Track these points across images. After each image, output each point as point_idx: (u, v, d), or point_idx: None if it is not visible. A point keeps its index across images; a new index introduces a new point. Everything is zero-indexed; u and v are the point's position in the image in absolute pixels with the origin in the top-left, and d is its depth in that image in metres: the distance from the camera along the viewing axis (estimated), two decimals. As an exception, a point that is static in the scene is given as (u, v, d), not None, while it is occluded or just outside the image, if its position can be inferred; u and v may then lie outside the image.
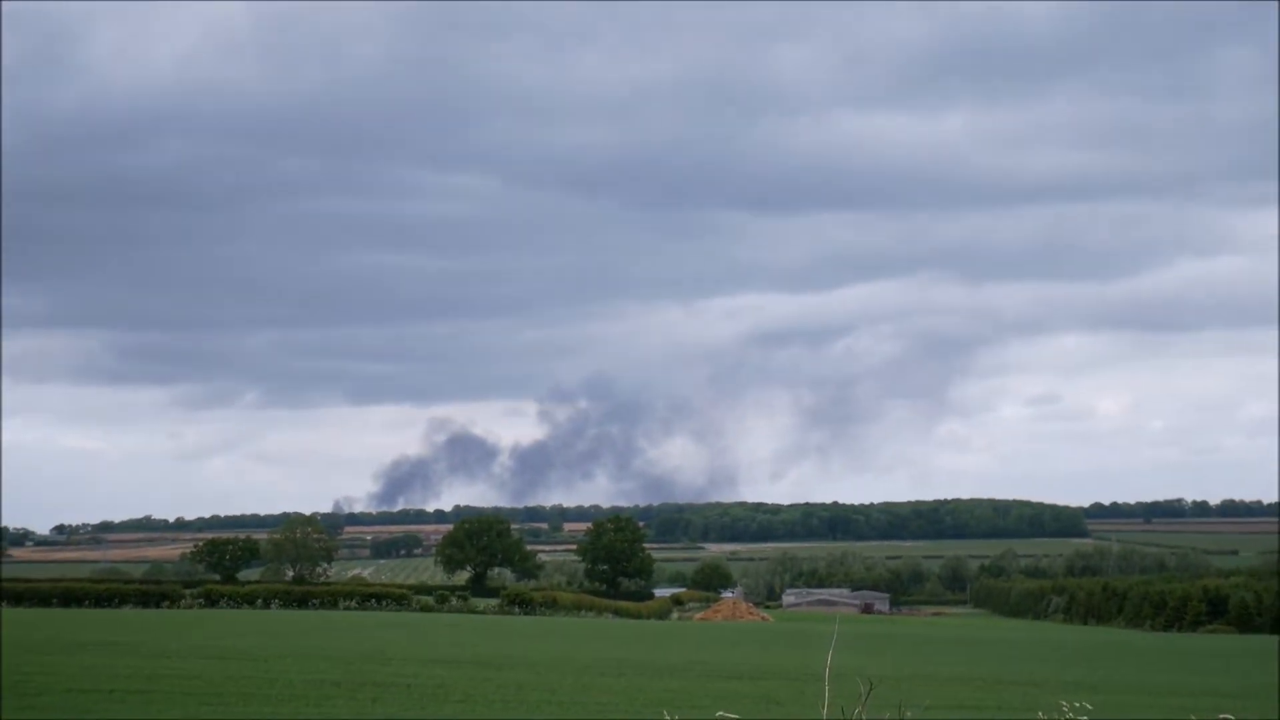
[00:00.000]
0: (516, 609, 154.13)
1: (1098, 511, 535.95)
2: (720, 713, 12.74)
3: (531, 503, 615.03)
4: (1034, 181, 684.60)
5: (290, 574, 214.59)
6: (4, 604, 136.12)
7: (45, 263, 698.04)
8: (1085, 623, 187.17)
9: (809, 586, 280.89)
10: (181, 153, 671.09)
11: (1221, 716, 21.72)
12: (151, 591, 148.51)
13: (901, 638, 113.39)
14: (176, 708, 38.86)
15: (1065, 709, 24.77)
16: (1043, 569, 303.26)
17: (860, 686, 11.07)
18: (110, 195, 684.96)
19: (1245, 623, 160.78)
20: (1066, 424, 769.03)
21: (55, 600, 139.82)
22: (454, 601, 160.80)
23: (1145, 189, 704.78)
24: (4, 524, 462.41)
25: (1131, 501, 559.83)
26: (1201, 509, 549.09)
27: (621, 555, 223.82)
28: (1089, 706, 24.81)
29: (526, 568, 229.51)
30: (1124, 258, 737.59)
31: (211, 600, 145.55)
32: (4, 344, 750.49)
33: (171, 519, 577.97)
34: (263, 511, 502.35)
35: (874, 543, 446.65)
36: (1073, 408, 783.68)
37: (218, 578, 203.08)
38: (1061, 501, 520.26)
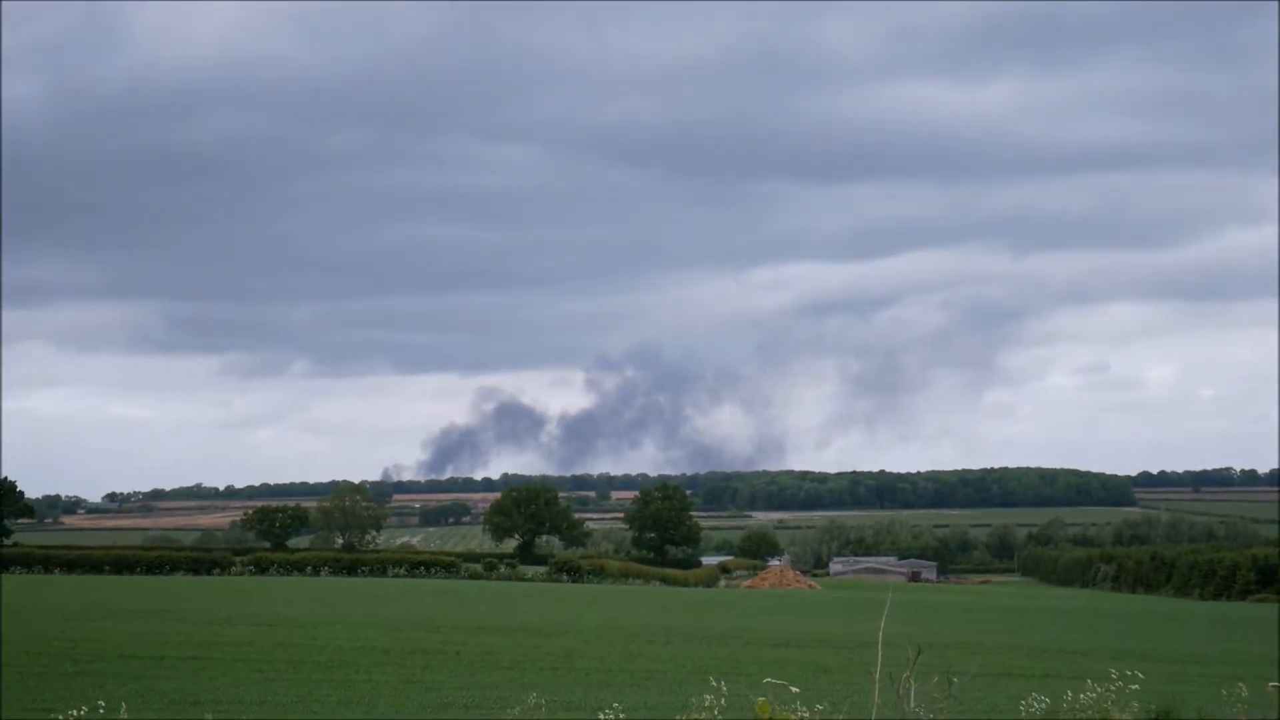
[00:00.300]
0: (564, 576, 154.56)
1: (1146, 480, 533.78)
2: (768, 679, 12.80)
3: (579, 471, 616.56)
4: (1082, 150, 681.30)
5: (339, 542, 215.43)
6: (57, 571, 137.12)
7: (95, 235, 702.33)
8: (1134, 591, 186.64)
9: (856, 555, 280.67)
10: (229, 126, 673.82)
11: (1272, 685, 21.67)
12: (202, 559, 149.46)
13: (949, 605, 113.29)
14: (227, 674, 39.13)
15: (1115, 677, 24.79)
16: (1090, 537, 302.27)
17: (908, 653, 11.12)
18: (159, 169, 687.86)
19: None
20: (1115, 393, 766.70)
21: (107, 567, 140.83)
22: (502, 569, 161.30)
23: (1194, 158, 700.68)
24: (55, 492, 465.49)
25: (1180, 470, 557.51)
26: (1250, 478, 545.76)
27: (669, 523, 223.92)
28: (1140, 675, 24.82)
29: (574, 535, 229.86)
30: (1173, 227, 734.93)
31: (262, 568, 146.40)
32: (55, 315, 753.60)
33: (221, 487, 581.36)
34: (312, 480, 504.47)
35: (921, 511, 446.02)
36: (1121, 377, 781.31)
37: (268, 545, 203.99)
38: (1109, 470, 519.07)
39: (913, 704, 9.52)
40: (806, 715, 11.75)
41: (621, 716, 20.30)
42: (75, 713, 17.12)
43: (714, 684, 18.27)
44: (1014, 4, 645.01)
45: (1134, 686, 24.22)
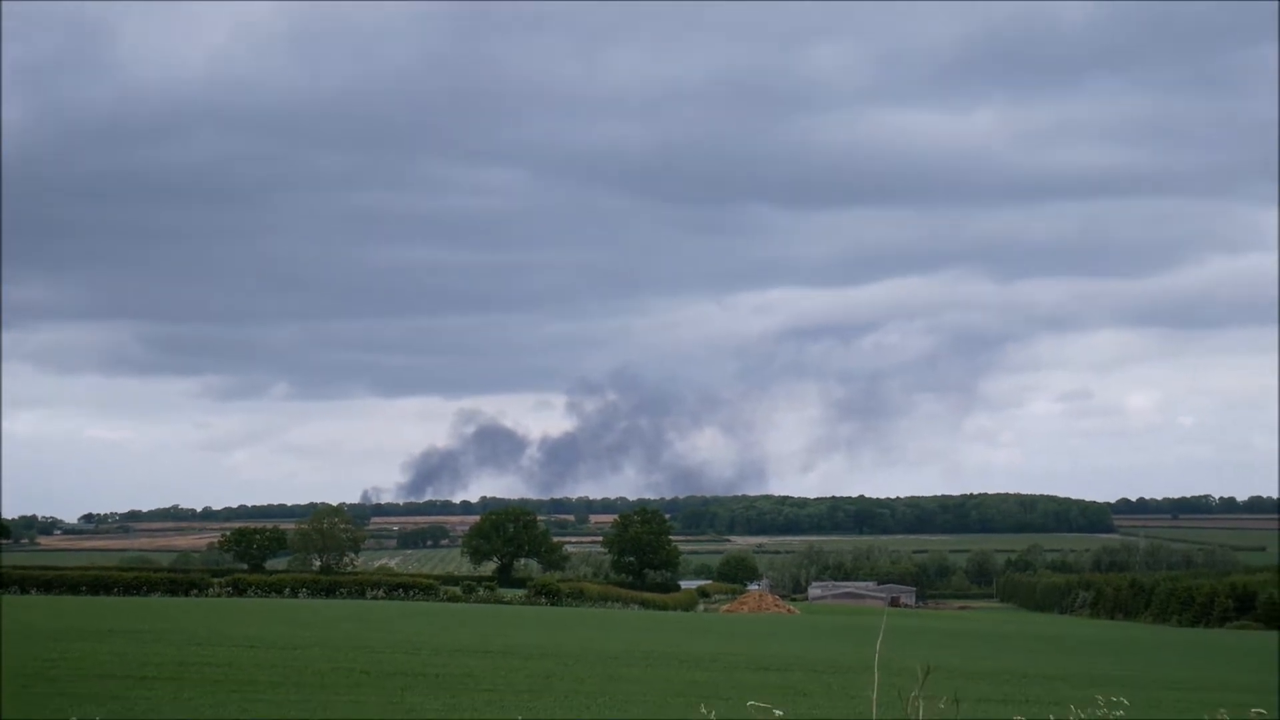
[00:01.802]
0: (543, 599, 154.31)
1: (1125, 507, 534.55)
2: (751, 702, 12.77)
3: (560, 495, 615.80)
4: (1065, 178, 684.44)
5: (317, 564, 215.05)
6: (33, 591, 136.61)
7: (76, 256, 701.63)
8: (1112, 618, 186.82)
9: (835, 579, 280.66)
10: (212, 147, 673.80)
11: (1255, 711, 21.68)
12: (180, 580, 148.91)
13: (928, 631, 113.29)
14: (206, 695, 38.99)
15: (1100, 703, 24.75)
16: (1069, 564, 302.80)
17: (904, 676, 11.10)
18: (141, 189, 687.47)
19: (1273, 619, 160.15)
20: (1097, 420, 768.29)
21: (84, 588, 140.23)
22: (481, 592, 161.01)
23: (1177, 186, 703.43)
24: (31, 513, 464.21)
25: (1159, 498, 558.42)
26: (1229, 505, 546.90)
27: (648, 547, 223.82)
28: (1125, 701, 24.79)
29: (553, 559, 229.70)
30: (1155, 254, 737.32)
31: (239, 589, 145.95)
32: (33, 336, 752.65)
33: (199, 509, 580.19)
34: (290, 502, 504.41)
35: (900, 536, 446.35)
36: (1103, 404, 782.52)
37: (245, 567, 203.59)
38: (1089, 497, 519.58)
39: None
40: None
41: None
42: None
43: (703, 710, 18.23)
44: (998, 33, 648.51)
45: (1118, 713, 24.21)
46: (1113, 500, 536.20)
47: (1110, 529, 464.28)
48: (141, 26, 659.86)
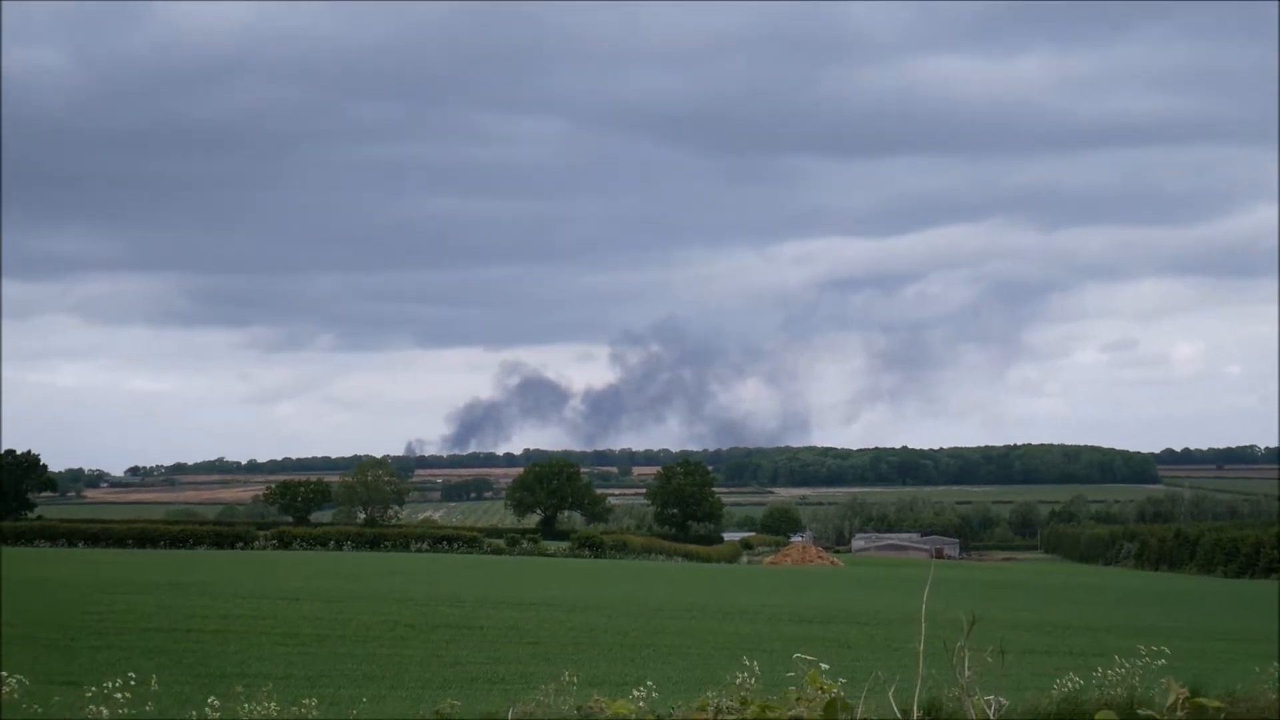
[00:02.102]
0: (587, 552, 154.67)
1: (1169, 458, 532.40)
2: (797, 654, 12.73)
3: (603, 446, 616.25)
4: (1111, 125, 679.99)
5: (362, 516, 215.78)
6: (80, 544, 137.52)
7: (119, 207, 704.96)
8: (1156, 569, 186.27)
9: (878, 531, 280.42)
10: (254, 97, 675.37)
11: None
12: (225, 533, 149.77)
13: (972, 582, 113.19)
14: (252, 647, 39.21)
15: (1143, 652, 24.70)
16: (1114, 515, 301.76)
17: (949, 627, 11.04)
18: (183, 140, 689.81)
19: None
20: (1142, 370, 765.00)
21: (130, 541, 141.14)
22: (524, 544, 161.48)
23: (1224, 133, 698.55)
24: (77, 466, 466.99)
25: (1204, 448, 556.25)
26: (1275, 455, 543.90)
27: (691, 499, 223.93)
28: (1166, 650, 24.74)
29: (596, 511, 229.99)
30: (1202, 202, 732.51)
31: (284, 542, 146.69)
32: (78, 287, 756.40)
33: (244, 461, 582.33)
34: (334, 454, 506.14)
35: (943, 488, 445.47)
36: (1148, 353, 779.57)
37: (290, 520, 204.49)
38: (1133, 448, 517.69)
39: (968, 674, 9.45)
40: (840, 690, 11.65)
41: (655, 695, 20.29)
42: (110, 684, 17.13)
43: (746, 663, 18.23)
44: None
45: (1160, 663, 24.14)
46: (1157, 451, 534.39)
47: (1155, 479, 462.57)
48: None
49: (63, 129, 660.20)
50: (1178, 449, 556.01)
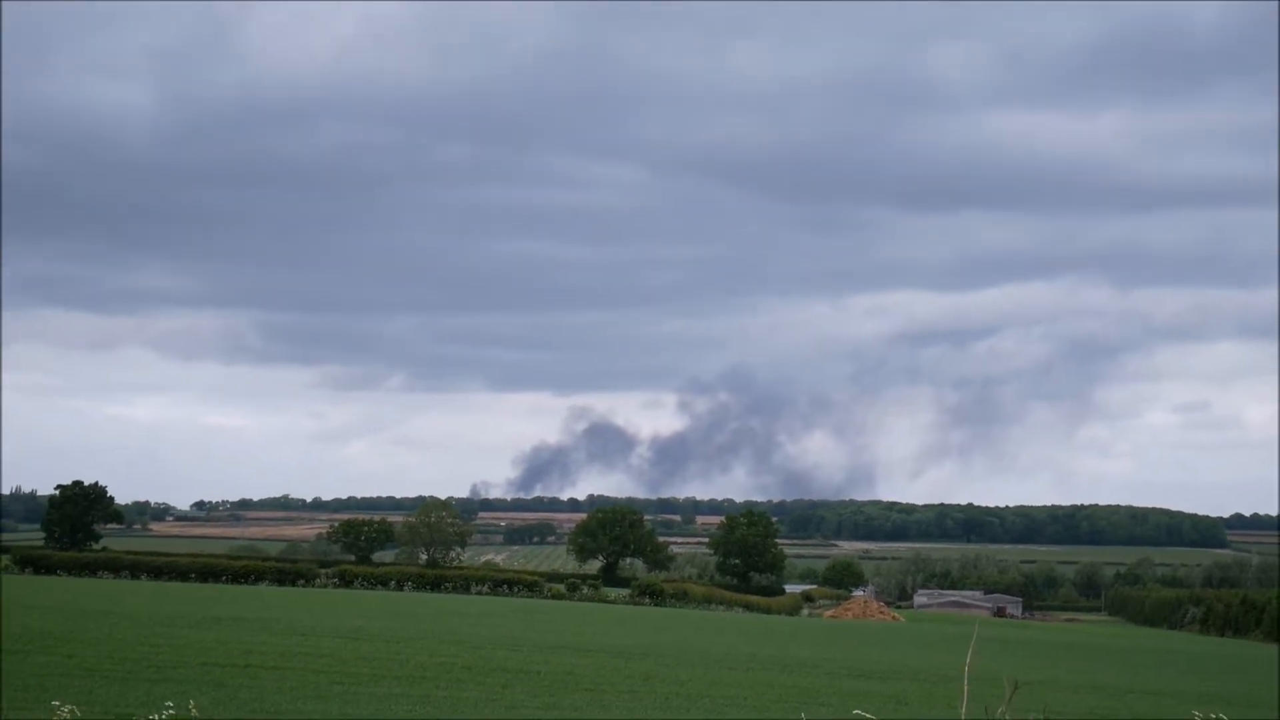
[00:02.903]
0: (647, 599, 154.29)
1: (1238, 522, 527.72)
2: (857, 711, 12.63)
3: (668, 494, 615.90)
4: (1191, 184, 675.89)
5: (424, 557, 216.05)
6: (143, 577, 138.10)
7: (199, 243, 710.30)
8: (1222, 634, 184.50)
9: (941, 588, 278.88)
10: (336, 138, 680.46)
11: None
12: (287, 569, 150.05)
13: (1034, 643, 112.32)
14: (309, 685, 39.21)
15: (1198, 718, 24.29)
16: (1180, 578, 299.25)
17: (1004, 687, 10.90)
18: (264, 178, 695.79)
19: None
20: (1213, 433, 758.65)
21: (193, 575, 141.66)
22: (585, 590, 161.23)
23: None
24: (144, 499, 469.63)
25: (1274, 513, 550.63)
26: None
27: (754, 550, 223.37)
28: (1224, 718, 24.32)
29: (658, 559, 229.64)
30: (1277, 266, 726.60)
31: (346, 580, 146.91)
32: (156, 322, 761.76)
33: (309, 499, 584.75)
34: (399, 494, 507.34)
35: (1008, 546, 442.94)
36: (1220, 416, 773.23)
37: (353, 558, 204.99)
38: (1202, 511, 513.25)
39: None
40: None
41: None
42: (155, 716, 17.16)
43: (802, 716, 18.10)
44: (1126, 34, 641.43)
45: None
46: (1226, 515, 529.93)
47: (1223, 544, 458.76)
48: (270, 17, 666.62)
49: (146, 164, 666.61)
50: (1246, 514, 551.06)
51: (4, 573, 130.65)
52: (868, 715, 11.06)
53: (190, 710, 19.63)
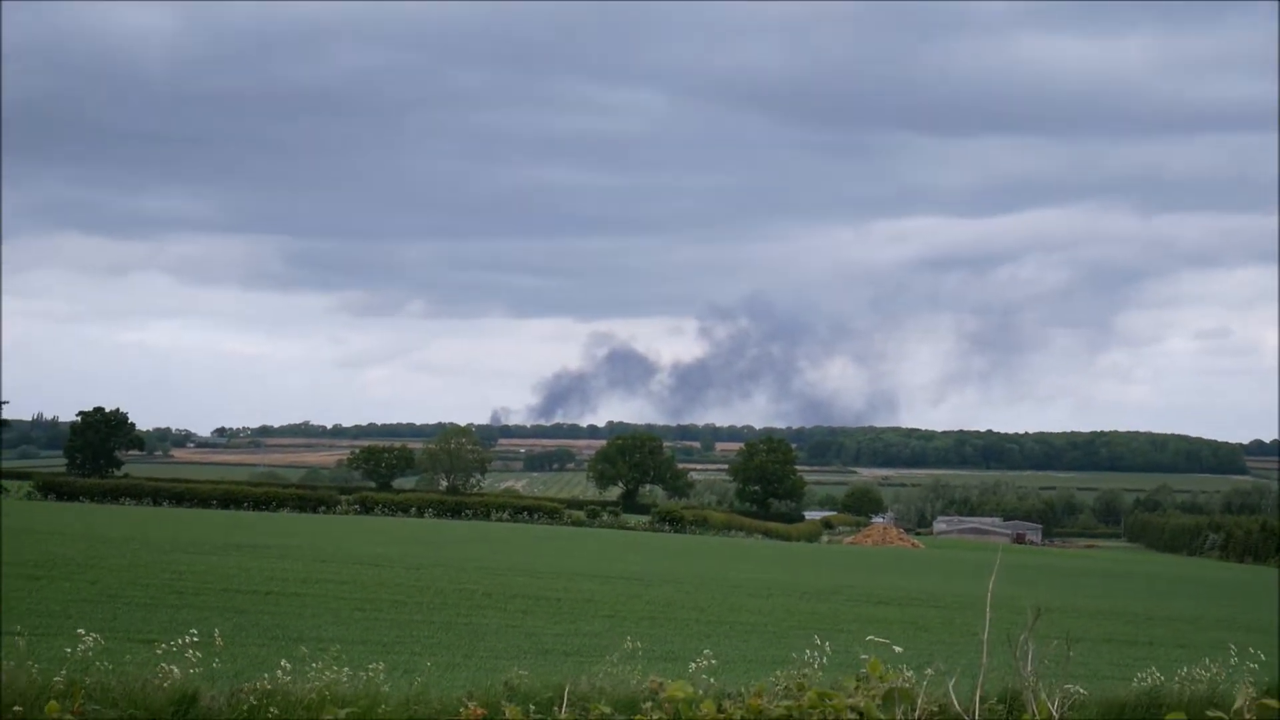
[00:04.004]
0: (667, 526, 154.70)
1: (1257, 449, 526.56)
2: (870, 636, 12.63)
3: (687, 421, 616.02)
4: (1214, 109, 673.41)
5: (444, 484, 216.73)
6: (165, 504, 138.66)
7: (218, 169, 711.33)
8: (1241, 561, 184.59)
9: (960, 515, 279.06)
10: (354, 62, 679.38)
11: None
12: (308, 496, 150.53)
13: (1054, 569, 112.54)
14: (329, 612, 39.40)
15: (1233, 651, 24.26)
16: (1199, 505, 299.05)
17: (1025, 614, 10.88)
18: (282, 103, 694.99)
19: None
20: (1234, 359, 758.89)
21: (214, 502, 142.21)
22: (605, 517, 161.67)
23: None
24: (165, 425, 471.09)
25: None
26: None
27: (773, 476, 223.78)
28: (1261, 655, 24.25)
29: (677, 486, 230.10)
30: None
31: (367, 507, 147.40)
32: (173, 247, 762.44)
33: (329, 426, 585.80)
34: (419, 421, 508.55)
35: (1028, 472, 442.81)
36: (1242, 342, 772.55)
37: (373, 485, 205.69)
38: (1222, 438, 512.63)
39: (1029, 667, 9.29)
40: (912, 674, 11.50)
41: (713, 663, 20.20)
42: (180, 640, 17.27)
43: (817, 642, 18.11)
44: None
45: (1253, 665, 23.59)
46: (1246, 441, 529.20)
47: (1242, 470, 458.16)
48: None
49: (163, 91, 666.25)
50: (1267, 440, 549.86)
51: (28, 499, 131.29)
52: (881, 640, 11.06)
53: (215, 639, 19.71)
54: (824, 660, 17.19)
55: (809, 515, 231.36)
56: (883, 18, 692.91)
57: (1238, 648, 24.43)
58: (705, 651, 21.36)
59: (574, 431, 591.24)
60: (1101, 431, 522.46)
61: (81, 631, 17.57)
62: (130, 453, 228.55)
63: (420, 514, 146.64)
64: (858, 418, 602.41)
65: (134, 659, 19.45)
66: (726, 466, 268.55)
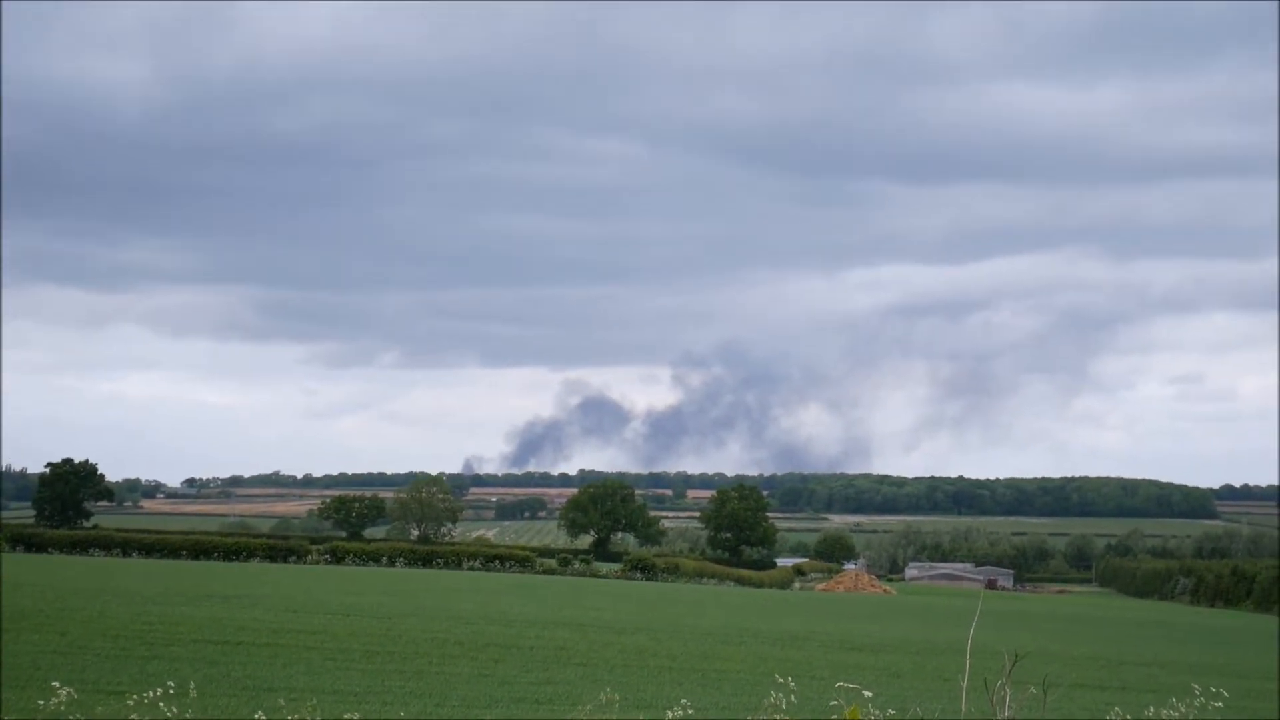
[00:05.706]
0: (639, 574, 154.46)
1: (1228, 493, 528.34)
2: (840, 682, 12.66)
3: (661, 469, 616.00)
4: (1188, 156, 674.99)
5: (415, 533, 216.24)
6: (135, 555, 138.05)
7: (191, 219, 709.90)
8: (1212, 605, 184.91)
9: (932, 560, 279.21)
10: (330, 113, 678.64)
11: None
12: (279, 546, 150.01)
13: (1026, 614, 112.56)
14: (301, 662, 39.24)
15: (1197, 692, 24.33)
16: (1170, 549, 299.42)
17: (999, 659, 10.94)
18: (257, 154, 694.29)
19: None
20: (1208, 404, 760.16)
21: (185, 552, 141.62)
22: (577, 565, 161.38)
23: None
24: (135, 476, 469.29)
25: (1264, 484, 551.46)
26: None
27: (745, 524, 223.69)
28: (1225, 693, 24.35)
29: (649, 533, 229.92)
30: (1276, 236, 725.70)
31: (337, 557, 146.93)
32: (147, 299, 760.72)
33: (300, 475, 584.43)
34: (390, 470, 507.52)
35: (999, 518, 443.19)
36: (1215, 388, 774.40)
37: (344, 535, 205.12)
38: (1193, 482, 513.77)
39: (1007, 712, 9.32)
40: (894, 714, 11.51)
41: (690, 713, 20.17)
42: (151, 693, 17.19)
43: (782, 682, 18.09)
44: (1123, 5, 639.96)
45: (1217, 704, 23.70)
46: (1216, 486, 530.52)
47: (1213, 515, 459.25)
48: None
49: (139, 140, 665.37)
50: (1237, 484, 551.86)
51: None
52: (851, 685, 11.08)
53: (190, 690, 19.63)
54: (797, 706, 17.17)
55: (781, 562, 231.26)
56: (856, 67, 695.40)
57: (1203, 690, 24.46)
58: (683, 701, 21.32)
59: (546, 480, 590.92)
60: (1072, 477, 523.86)
61: (56, 684, 17.48)
62: (100, 504, 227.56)
63: (391, 563, 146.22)
64: (831, 464, 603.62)
65: (105, 710, 19.36)
66: (698, 514, 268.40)
